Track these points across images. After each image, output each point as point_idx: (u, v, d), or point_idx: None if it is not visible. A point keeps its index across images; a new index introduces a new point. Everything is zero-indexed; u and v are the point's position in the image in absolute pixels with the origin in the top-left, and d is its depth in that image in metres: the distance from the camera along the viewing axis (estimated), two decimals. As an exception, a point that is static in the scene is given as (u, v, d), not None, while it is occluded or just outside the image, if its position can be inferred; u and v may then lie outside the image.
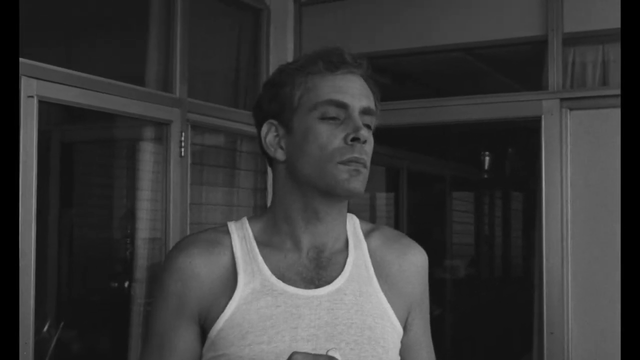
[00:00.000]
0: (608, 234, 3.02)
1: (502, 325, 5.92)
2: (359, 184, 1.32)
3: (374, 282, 1.38)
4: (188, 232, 3.07)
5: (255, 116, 1.42)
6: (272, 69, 1.42)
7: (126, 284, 3.57)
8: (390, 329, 1.36)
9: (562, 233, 3.13)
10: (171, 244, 2.94)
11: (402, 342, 1.41)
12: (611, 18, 3.01)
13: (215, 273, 1.33)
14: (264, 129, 1.39)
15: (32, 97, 2.48)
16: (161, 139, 3.15)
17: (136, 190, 3.27)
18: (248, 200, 3.66)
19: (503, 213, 8.03)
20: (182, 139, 3.14)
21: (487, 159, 6.53)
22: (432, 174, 6.92)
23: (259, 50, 3.73)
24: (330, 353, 1.21)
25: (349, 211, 1.46)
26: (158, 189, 3.15)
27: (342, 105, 1.33)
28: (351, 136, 1.31)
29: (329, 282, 1.34)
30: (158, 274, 1.39)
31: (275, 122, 1.37)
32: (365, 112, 1.35)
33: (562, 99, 3.18)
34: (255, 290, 1.31)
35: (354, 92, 1.35)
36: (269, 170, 1.44)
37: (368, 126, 1.36)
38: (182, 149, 3.13)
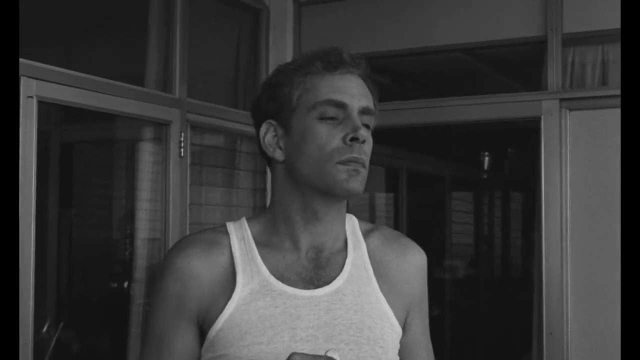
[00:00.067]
0: (607, 234, 3.02)
1: (502, 325, 5.92)
2: (358, 184, 1.32)
3: (373, 283, 1.38)
4: (187, 233, 3.07)
5: (253, 116, 1.42)
6: (272, 69, 1.42)
7: (125, 284, 3.56)
8: (389, 329, 1.36)
9: (561, 233, 3.13)
10: (170, 245, 2.94)
11: (401, 342, 1.41)
12: (611, 18, 3.01)
13: (214, 273, 1.33)
14: (263, 129, 1.38)
15: (31, 97, 2.48)
16: (160, 139, 3.15)
17: (135, 190, 3.27)
18: (247, 200, 3.66)
19: (502, 213, 8.02)
20: (182, 139, 3.14)
21: (486, 159, 6.53)
22: (432, 174, 6.92)
23: (258, 51, 3.73)
24: (329, 354, 1.21)
25: (349, 211, 1.46)
26: (157, 189, 3.15)
27: (341, 105, 1.33)
28: (350, 136, 1.31)
29: (328, 283, 1.34)
30: (157, 274, 1.39)
31: (273, 122, 1.37)
32: (364, 111, 1.35)
33: (561, 99, 3.18)
34: (254, 290, 1.31)
35: (352, 92, 1.35)
36: (268, 170, 1.44)
37: (367, 126, 1.36)
38: (182, 149, 3.13)
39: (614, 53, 3.19)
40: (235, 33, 3.72)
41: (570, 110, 3.18)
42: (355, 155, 1.31)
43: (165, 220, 3.10)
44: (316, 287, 1.34)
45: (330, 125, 1.32)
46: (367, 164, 1.34)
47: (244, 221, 1.41)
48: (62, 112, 3.89)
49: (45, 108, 2.77)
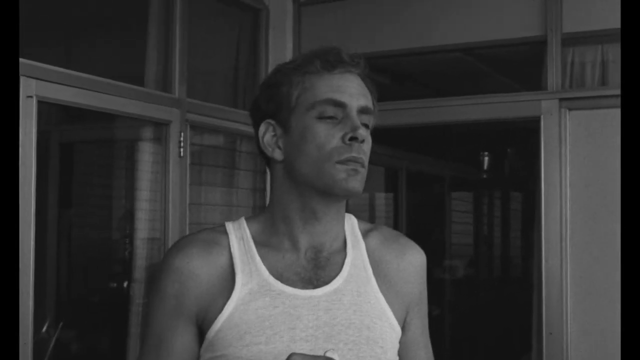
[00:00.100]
0: (607, 234, 3.02)
1: (501, 325, 5.92)
2: (357, 183, 1.32)
3: (372, 282, 1.37)
4: (187, 233, 3.06)
5: (252, 116, 1.42)
6: (271, 69, 1.42)
7: (125, 284, 3.56)
8: (388, 329, 1.36)
9: (561, 233, 3.13)
10: (170, 244, 2.94)
11: (400, 342, 1.41)
12: (610, 18, 3.01)
13: (213, 273, 1.33)
14: (262, 128, 1.38)
15: (31, 97, 2.48)
16: (160, 139, 3.15)
17: (135, 190, 3.27)
18: (247, 200, 3.66)
19: (502, 213, 8.02)
20: (181, 139, 3.13)
21: (486, 159, 6.53)
22: (432, 174, 6.92)
23: (258, 51, 3.73)
24: (329, 354, 1.21)
25: (348, 211, 1.46)
26: (157, 189, 3.15)
27: (340, 105, 1.33)
28: (349, 135, 1.31)
29: (327, 283, 1.34)
30: (156, 274, 1.39)
31: (272, 121, 1.37)
32: (363, 111, 1.35)
33: (561, 99, 3.18)
34: (253, 290, 1.31)
35: (351, 91, 1.34)
36: (268, 170, 1.44)
37: (366, 125, 1.35)
38: (181, 149, 3.13)
39: (614, 53, 3.19)
40: (234, 33, 3.72)
41: (570, 110, 3.18)
42: (354, 154, 1.31)
43: (165, 220, 3.10)
44: (315, 287, 1.33)
45: (329, 125, 1.32)
46: (366, 163, 1.34)
47: (242, 221, 1.41)
48: (62, 112, 3.88)
49: (45, 108, 2.77)
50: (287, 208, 1.37)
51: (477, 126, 4.29)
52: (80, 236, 4.45)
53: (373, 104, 1.39)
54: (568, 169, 3.15)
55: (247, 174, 3.65)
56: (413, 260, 1.44)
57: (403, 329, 1.41)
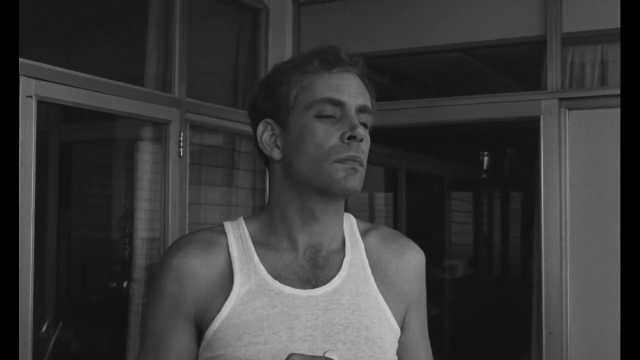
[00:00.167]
0: (607, 234, 3.02)
1: (501, 325, 5.92)
2: (356, 182, 1.31)
3: (371, 282, 1.37)
4: (187, 233, 3.06)
5: (251, 116, 1.42)
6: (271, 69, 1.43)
7: (125, 284, 3.56)
8: (387, 329, 1.36)
9: (561, 233, 3.13)
10: (170, 245, 2.94)
11: (399, 342, 1.41)
12: (610, 18, 3.01)
13: (211, 273, 1.33)
14: (260, 128, 1.38)
15: (31, 97, 2.48)
16: (160, 139, 3.15)
17: (135, 190, 3.27)
18: (247, 200, 3.66)
19: (502, 213, 8.02)
20: (181, 139, 3.13)
21: (486, 159, 6.53)
22: (432, 174, 6.91)
23: (258, 51, 3.73)
24: (328, 354, 1.20)
25: (348, 211, 1.46)
26: (157, 189, 3.15)
27: (339, 104, 1.33)
28: (348, 135, 1.31)
29: (326, 283, 1.34)
30: (154, 273, 1.39)
31: (271, 121, 1.37)
32: (361, 110, 1.35)
33: (561, 99, 3.18)
34: (251, 290, 1.31)
35: (350, 90, 1.34)
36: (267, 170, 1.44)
37: (365, 125, 1.35)
38: (181, 149, 3.13)
39: (614, 53, 3.19)
40: (234, 33, 3.72)
41: (570, 110, 3.18)
42: (353, 154, 1.31)
43: (165, 220, 3.10)
44: (314, 287, 1.33)
45: (328, 124, 1.32)
46: (365, 162, 1.34)
47: (241, 221, 1.41)
48: (62, 112, 3.88)
49: (45, 108, 2.77)
50: (286, 208, 1.37)
51: (477, 126, 4.29)
52: (80, 236, 4.45)
53: (372, 103, 1.38)
54: (568, 169, 3.15)
55: (247, 174, 3.65)
56: (412, 260, 1.44)
57: (402, 329, 1.41)
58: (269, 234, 1.38)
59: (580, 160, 3.14)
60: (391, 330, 1.37)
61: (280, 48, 3.70)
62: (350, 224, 1.44)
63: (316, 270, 1.35)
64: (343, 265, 1.37)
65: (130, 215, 3.54)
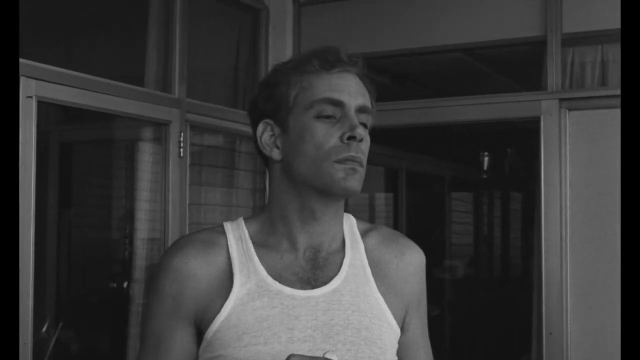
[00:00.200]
0: (607, 234, 3.02)
1: (501, 325, 5.92)
2: (355, 182, 1.31)
3: (371, 283, 1.37)
4: (187, 233, 3.06)
5: (250, 116, 1.42)
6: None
7: (125, 285, 3.56)
8: (387, 329, 1.36)
9: (561, 233, 3.13)
10: (170, 245, 2.94)
11: (399, 342, 1.41)
12: (610, 18, 3.01)
13: (211, 274, 1.33)
14: (260, 128, 1.38)
15: (30, 97, 2.48)
16: (160, 140, 3.15)
17: (135, 190, 3.27)
18: (247, 200, 3.66)
19: (502, 213, 8.02)
20: (181, 139, 3.13)
21: (486, 159, 6.53)
22: (432, 175, 6.91)
23: (258, 51, 3.73)
24: (327, 355, 1.20)
25: (347, 211, 1.46)
26: (157, 189, 3.15)
27: (338, 104, 1.33)
28: (347, 134, 1.31)
29: (325, 283, 1.34)
30: (154, 274, 1.39)
31: (270, 121, 1.37)
32: (361, 110, 1.35)
33: (561, 100, 3.18)
34: (251, 291, 1.31)
35: (350, 90, 1.34)
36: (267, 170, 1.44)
37: (364, 125, 1.35)
38: (181, 150, 3.13)
39: (614, 53, 3.19)
40: (234, 33, 3.72)
41: (570, 110, 3.18)
42: (352, 154, 1.31)
43: (165, 220, 3.10)
44: (313, 287, 1.33)
45: (327, 124, 1.32)
46: (364, 162, 1.34)
47: (241, 221, 1.41)
48: (62, 112, 3.88)
49: (45, 108, 2.77)
50: (285, 208, 1.37)
51: (477, 126, 4.29)
52: (80, 236, 4.45)
53: (371, 103, 1.38)
54: (568, 169, 3.14)
55: (247, 174, 3.65)
56: (412, 260, 1.44)
57: (402, 329, 1.41)
58: (269, 234, 1.38)
59: (580, 160, 3.14)
60: (391, 330, 1.37)
61: (280, 48, 3.70)
62: (350, 224, 1.44)
63: (316, 271, 1.35)
64: (342, 266, 1.37)
65: (130, 215, 3.54)
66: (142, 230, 3.21)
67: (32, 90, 2.49)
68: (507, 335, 5.47)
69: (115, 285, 4.00)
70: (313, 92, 1.33)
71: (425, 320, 1.48)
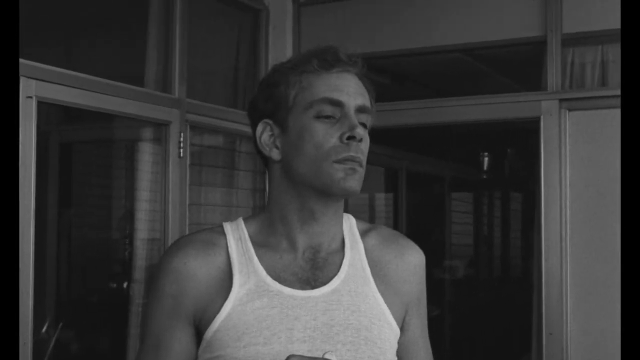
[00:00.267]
0: (607, 235, 3.02)
1: (501, 325, 5.92)
2: (355, 182, 1.31)
3: (370, 283, 1.37)
4: (187, 233, 3.06)
5: (250, 116, 1.42)
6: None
7: (125, 285, 3.56)
8: (387, 329, 1.36)
9: (561, 233, 3.13)
10: (169, 245, 2.94)
11: (399, 342, 1.40)
12: (610, 18, 3.01)
13: (210, 274, 1.33)
14: (259, 128, 1.38)
15: (30, 97, 2.48)
16: (160, 140, 3.15)
17: (135, 190, 3.27)
18: (247, 200, 3.66)
19: (502, 214, 8.02)
20: (181, 139, 3.13)
21: (486, 159, 6.53)
22: (432, 175, 6.91)
23: (257, 51, 3.73)
24: (327, 355, 1.20)
25: (348, 211, 1.46)
26: (157, 189, 3.15)
27: (338, 104, 1.33)
28: (347, 135, 1.31)
29: (325, 283, 1.34)
30: (154, 274, 1.39)
31: (270, 121, 1.37)
32: (360, 110, 1.35)
33: (561, 100, 3.18)
34: (250, 291, 1.31)
35: (349, 90, 1.34)
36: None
37: (364, 125, 1.35)
38: (181, 150, 3.13)
39: (614, 53, 3.19)
40: (234, 33, 3.72)
41: (570, 110, 3.18)
42: (352, 154, 1.31)
43: (165, 220, 3.10)
44: (313, 287, 1.33)
45: (326, 124, 1.32)
46: (364, 162, 1.34)
47: (240, 221, 1.41)
48: (62, 113, 3.88)
49: (45, 108, 2.77)
50: (285, 208, 1.37)
51: (477, 126, 4.29)
52: (80, 236, 4.45)
53: (371, 103, 1.38)
54: (568, 169, 3.15)
55: (247, 174, 3.65)
56: (412, 260, 1.44)
57: (402, 329, 1.41)
58: (268, 234, 1.38)
59: (580, 160, 3.14)
60: (390, 330, 1.37)
61: (280, 48, 3.70)
62: (350, 224, 1.44)
63: (315, 271, 1.35)
64: (342, 266, 1.37)
65: (130, 215, 3.53)
66: (142, 230, 3.21)
67: (32, 91, 2.49)
68: (507, 335, 5.47)
69: (115, 285, 4.00)
70: (312, 92, 1.33)
71: (425, 321, 1.48)
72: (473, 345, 6.14)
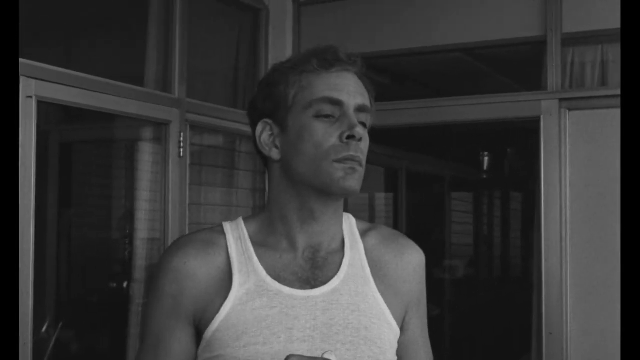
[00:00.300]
0: (607, 234, 3.02)
1: (501, 325, 5.92)
2: (354, 182, 1.31)
3: (370, 282, 1.37)
4: (187, 233, 3.06)
5: (249, 116, 1.42)
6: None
7: (125, 284, 3.56)
8: (386, 329, 1.36)
9: (561, 233, 3.13)
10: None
11: (399, 342, 1.40)
12: (610, 18, 3.01)
13: (210, 274, 1.33)
14: (259, 128, 1.38)
15: (30, 97, 2.48)
16: (160, 139, 3.15)
17: (135, 190, 3.27)
18: (247, 200, 3.66)
19: (502, 213, 8.02)
20: (181, 139, 3.13)
21: (486, 159, 6.53)
22: (432, 175, 6.91)
23: (258, 51, 3.73)
24: (326, 355, 1.20)
25: (348, 211, 1.46)
26: (157, 189, 3.15)
27: (337, 103, 1.33)
28: (346, 134, 1.31)
29: (324, 283, 1.34)
30: (154, 273, 1.39)
31: (269, 121, 1.37)
32: (360, 109, 1.34)
33: (561, 99, 3.18)
34: (250, 290, 1.31)
35: (349, 89, 1.34)
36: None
37: (363, 124, 1.35)
38: (181, 149, 3.13)
39: (614, 53, 3.19)
40: (234, 33, 3.72)
41: (570, 110, 3.18)
42: (352, 153, 1.30)
43: (165, 220, 3.10)
44: (313, 287, 1.33)
45: (326, 123, 1.32)
46: (363, 162, 1.34)
47: (240, 221, 1.41)
48: (62, 112, 3.88)
49: (45, 108, 2.77)
50: (284, 208, 1.37)
51: (477, 126, 4.29)
52: (80, 236, 4.45)
53: (370, 102, 1.38)
54: (568, 169, 3.14)
55: (247, 174, 3.65)
56: (412, 260, 1.44)
57: (402, 328, 1.41)
58: (268, 234, 1.38)
59: (580, 160, 3.14)
60: (390, 330, 1.37)
61: (280, 48, 3.70)
62: (350, 224, 1.44)
63: (315, 270, 1.35)
64: (342, 266, 1.36)
65: (130, 215, 3.53)
66: (142, 230, 3.21)
67: (32, 90, 2.49)
68: (507, 335, 5.47)
69: (115, 285, 4.00)
70: (312, 91, 1.33)
71: (425, 320, 1.48)
72: (473, 345, 6.13)
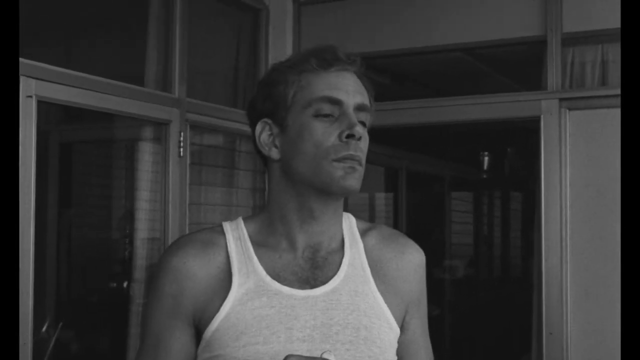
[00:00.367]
0: (607, 234, 3.02)
1: (501, 325, 5.92)
2: (354, 181, 1.31)
3: (370, 282, 1.37)
4: (187, 233, 3.06)
5: (249, 116, 1.42)
6: (270, 68, 1.44)
7: (125, 284, 3.56)
8: (386, 328, 1.36)
9: (561, 233, 3.13)
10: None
11: (399, 341, 1.40)
12: (610, 18, 3.01)
13: (210, 273, 1.33)
14: (258, 128, 1.38)
15: (30, 97, 2.48)
16: (160, 139, 3.15)
17: (135, 190, 3.27)
18: (247, 200, 3.66)
19: (502, 213, 8.02)
20: (181, 139, 3.13)
21: (486, 159, 6.53)
22: (431, 174, 6.92)
23: (258, 50, 3.73)
24: (325, 355, 1.20)
25: (348, 211, 1.46)
26: (157, 189, 3.15)
27: (337, 102, 1.33)
28: (346, 133, 1.31)
29: (324, 282, 1.34)
30: (154, 273, 1.39)
31: (269, 120, 1.37)
32: (359, 108, 1.34)
33: (561, 99, 3.18)
34: (250, 290, 1.31)
35: (348, 88, 1.34)
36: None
37: (363, 123, 1.35)
38: (181, 149, 3.13)
39: (614, 53, 3.19)
40: (234, 33, 3.72)
41: (570, 110, 3.18)
42: (351, 152, 1.30)
43: (165, 220, 3.10)
44: (312, 287, 1.33)
45: (325, 123, 1.32)
46: (363, 161, 1.34)
47: (240, 221, 1.41)
48: (62, 112, 3.88)
49: (45, 108, 2.77)
50: (284, 207, 1.37)
51: (477, 126, 4.30)
52: (80, 236, 4.45)
53: (370, 101, 1.38)
54: (568, 169, 3.14)
55: (247, 173, 3.65)
56: (412, 260, 1.44)
57: (402, 328, 1.41)
58: (268, 233, 1.38)
59: (580, 160, 3.14)
60: (390, 330, 1.37)
61: (280, 48, 3.70)
62: (350, 224, 1.43)
63: (315, 270, 1.35)
64: (342, 265, 1.36)
65: (130, 215, 3.53)
66: (142, 230, 3.21)
67: (32, 90, 2.49)
68: (507, 335, 5.47)
69: (115, 285, 4.00)
70: (311, 90, 1.33)
71: (426, 320, 1.48)
72: (473, 345, 6.14)
